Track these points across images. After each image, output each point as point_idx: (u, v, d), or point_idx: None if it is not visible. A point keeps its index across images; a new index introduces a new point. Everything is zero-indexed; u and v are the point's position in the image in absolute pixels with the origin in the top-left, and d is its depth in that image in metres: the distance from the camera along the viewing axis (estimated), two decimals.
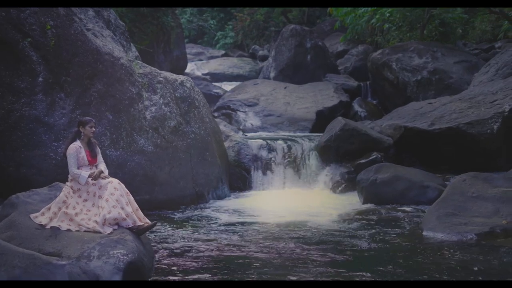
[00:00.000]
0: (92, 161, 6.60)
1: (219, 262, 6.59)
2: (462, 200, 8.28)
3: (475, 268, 6.18)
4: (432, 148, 12.31)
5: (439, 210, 8.25)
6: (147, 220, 6.47)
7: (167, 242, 7.64)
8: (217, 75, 26.81)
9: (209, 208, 10.48)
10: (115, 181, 6.41)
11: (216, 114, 17.47)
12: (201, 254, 6.96)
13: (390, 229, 8.39)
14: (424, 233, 7.92)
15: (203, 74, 26.23)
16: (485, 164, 10.83)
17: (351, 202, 10.89)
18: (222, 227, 8.67)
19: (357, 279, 5.82)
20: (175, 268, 6.37)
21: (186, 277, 5.94)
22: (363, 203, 10.65)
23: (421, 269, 6.22)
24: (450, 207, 8.20)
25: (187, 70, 25.85)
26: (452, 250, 6.99)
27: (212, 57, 31.52)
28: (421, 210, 9.64)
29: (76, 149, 6.47)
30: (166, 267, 6.40)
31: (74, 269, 5.59)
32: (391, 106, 16.45)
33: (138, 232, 6.31)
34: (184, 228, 8.64)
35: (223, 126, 13.75)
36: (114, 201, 6.23)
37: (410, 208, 9.89)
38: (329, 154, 12.50)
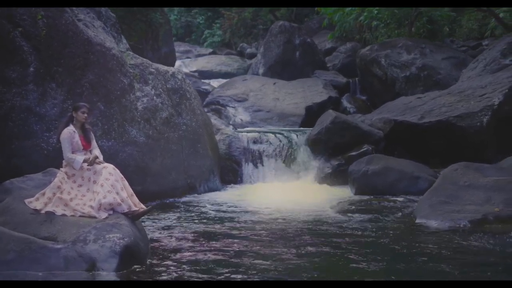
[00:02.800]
0: (87, 146, 6.59)
1: (211, 252, 6.50)
2: (454, 189, 8.33)
3: (471, 254, 6.24)
4: (422, 142, 12.37)
5: (431, 198, 8.31)
6: (142, 206, 6.47)
7: (159, 232, 7.60)
8: (205, 72, 26.68)
9: (200, 200, 10.45)
10: (110, 166, 6.41)
11: (205, 110, 17.40)
12: (194, 244, 6.92)
13: (383, 218, 8.43)
14: (417, 220, 7.98)
15: (191, 71, 26.11)
16: (474, 157, 10.86)
17: (343, 193, 10.95)
18: (214, 219, 8.62)
19: (354, 269, 5.78)
20: (169, 255, 6.33)
21: (181, 266, 5.89)
22: (355, 194, 10.72)
23: (418, 254, 6.24)
24: (442, 195, 8.26)
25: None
26: (446, 236, 7.02)
27: (200, 55, 31.35)
28: (412, 200, 9.71)
29: (70, 134, 6.44)
30: (160, 254, 6.37)
31: (70, 253, 5.55)
32: (380, 102, 16.50)
33: (133, 217, 6.30)
34: (175, 219, 8.59)
35: (214, 120, 13.75)
36: (109, 186, 6.22)
37: (401, 198, 9.98)
38: (320, 146, 12.53)
